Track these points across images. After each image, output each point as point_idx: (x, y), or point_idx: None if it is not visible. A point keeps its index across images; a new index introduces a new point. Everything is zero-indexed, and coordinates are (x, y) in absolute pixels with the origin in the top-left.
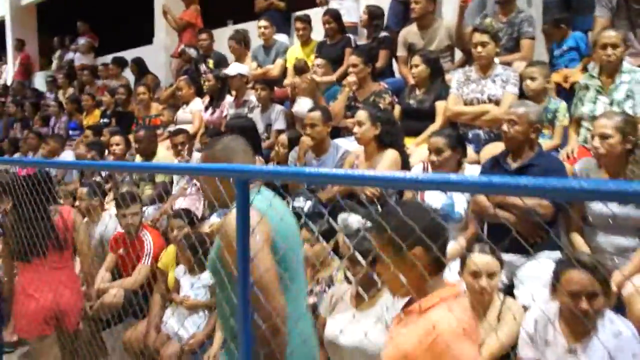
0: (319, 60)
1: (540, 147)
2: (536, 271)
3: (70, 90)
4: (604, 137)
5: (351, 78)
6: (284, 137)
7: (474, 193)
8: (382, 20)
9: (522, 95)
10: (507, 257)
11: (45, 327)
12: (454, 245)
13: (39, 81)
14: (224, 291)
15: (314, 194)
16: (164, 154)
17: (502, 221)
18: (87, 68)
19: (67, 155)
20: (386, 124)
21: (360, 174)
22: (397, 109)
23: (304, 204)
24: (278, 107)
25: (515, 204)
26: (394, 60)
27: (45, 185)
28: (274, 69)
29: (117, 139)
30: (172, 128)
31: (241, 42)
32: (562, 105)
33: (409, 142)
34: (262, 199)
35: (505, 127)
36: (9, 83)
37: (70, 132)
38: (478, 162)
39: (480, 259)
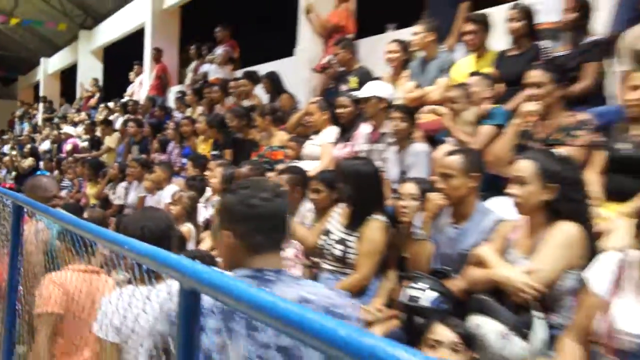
0: (474, 79)
1: None
2: None
3: (199, 110)
4: None
5: (531, 106)
6: (411, 187)
7: None
8: (588, 18)
9: None
10: None
11: None
12: None
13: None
14: None
15: (442, 283)
16: None
17: None
18: (219, 83)
19: (172, 189)
20: (566, 184)
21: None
22: (600, 156)
23: (423, 294)
24: (418, 147)
25: None
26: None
27: None
28: (434, 92)
29: (218, 172)
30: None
31: (403, 51)
32: None
33: (613, 210)
34: None
35: None
36: (142, 99)
37: (183, 161)
38: None
39: None
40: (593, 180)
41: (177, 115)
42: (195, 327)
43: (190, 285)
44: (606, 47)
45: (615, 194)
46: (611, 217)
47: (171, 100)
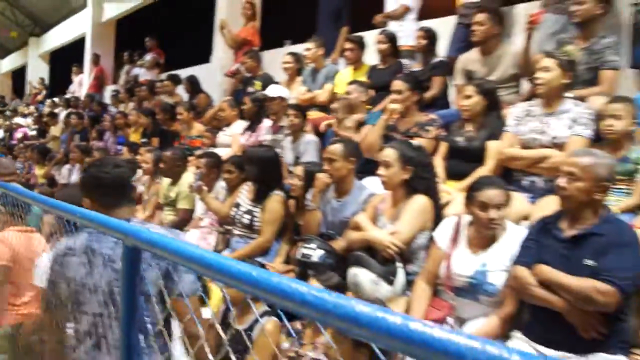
0: (353, 86)
1: (607, 211)
2: None
3: (131, 105)
4: None
5: (394, 105)
6: (298, 169)
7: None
8: (435, 44)
9: (599, 139)
10: (553, 354)
11: None
12: (483, 324)
13: (109, 95)
14: None
15: (328, 244)
16: (190, 179)
17: (548, 306)
18: (147, 84)
19: None
20: (419, 166)
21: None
22: (443, 146)
23: (314, 252)
24: (308, 137)
25: (566, 286)
26: (453, 91)
27: None
28: (321, 95)
29: (148, 156)
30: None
31: (296, 62)
32: None
33: (452, 187)
34: None
35: (562, 181)
36: (82, 96)
37: (118, 147)
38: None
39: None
40: (439, 164)
41: (112, 109)
42: (137, 278)
43: (132, 243)
44: (448, 66)
45: (454, 175)
46: (451, 191)
47: (107, 97)
